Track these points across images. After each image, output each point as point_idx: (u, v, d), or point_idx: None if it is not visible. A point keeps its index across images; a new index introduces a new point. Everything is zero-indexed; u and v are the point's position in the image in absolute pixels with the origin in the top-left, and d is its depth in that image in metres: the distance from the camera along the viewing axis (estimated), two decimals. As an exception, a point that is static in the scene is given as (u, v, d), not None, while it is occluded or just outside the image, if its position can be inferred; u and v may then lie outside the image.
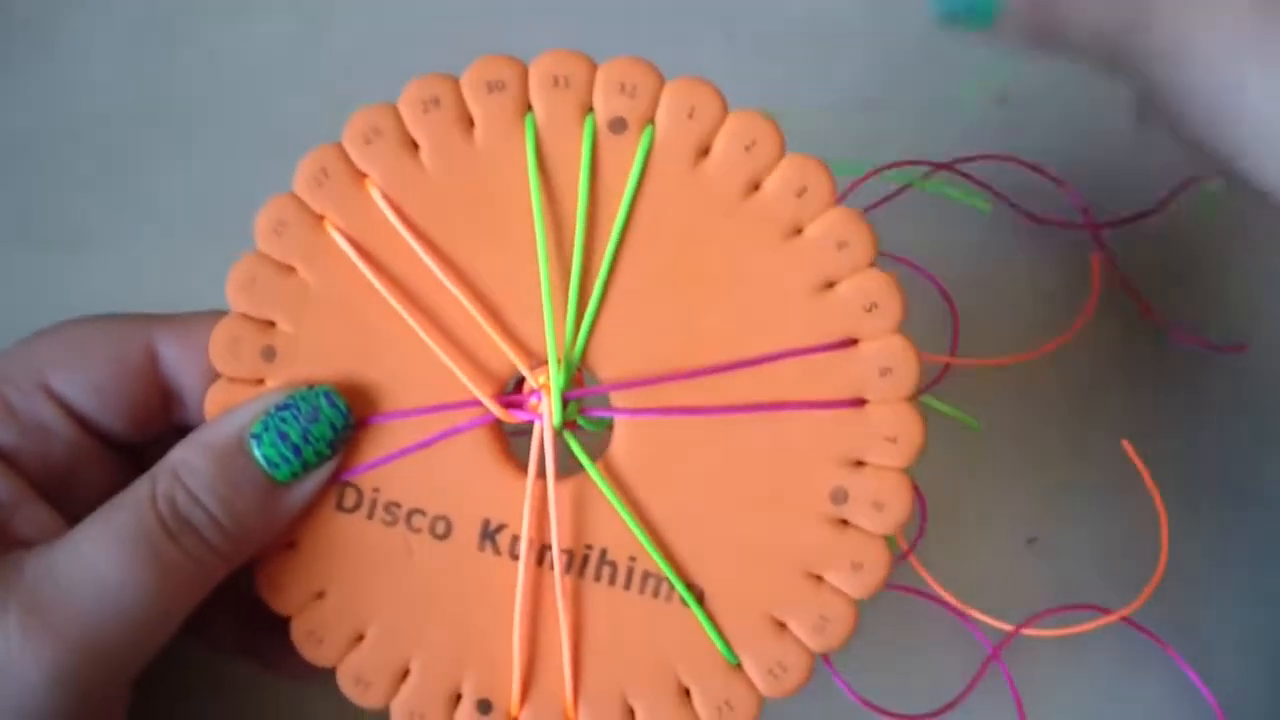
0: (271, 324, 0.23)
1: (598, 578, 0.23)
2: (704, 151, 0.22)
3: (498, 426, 0.23)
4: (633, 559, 0.23)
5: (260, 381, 0.23)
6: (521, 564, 0.23)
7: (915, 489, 0.26)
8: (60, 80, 0.37)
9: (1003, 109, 0.40)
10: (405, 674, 0.23)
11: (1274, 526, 0.35)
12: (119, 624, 0.21)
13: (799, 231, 0.22)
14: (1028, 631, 0.31)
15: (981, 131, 0.39)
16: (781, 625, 0.23)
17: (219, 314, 0.23)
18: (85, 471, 0.24)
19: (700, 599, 0.23)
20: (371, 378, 0.23)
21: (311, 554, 0.23)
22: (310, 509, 0.23)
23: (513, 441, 0.24)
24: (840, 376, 0.23)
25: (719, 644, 0.23)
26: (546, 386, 0.23)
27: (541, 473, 0.23)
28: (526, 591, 0.23)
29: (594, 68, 0.22)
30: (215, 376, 0.23)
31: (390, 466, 0.23)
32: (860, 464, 0.23)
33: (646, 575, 0.23)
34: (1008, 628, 0.31)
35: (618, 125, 0.22)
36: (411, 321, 0.23)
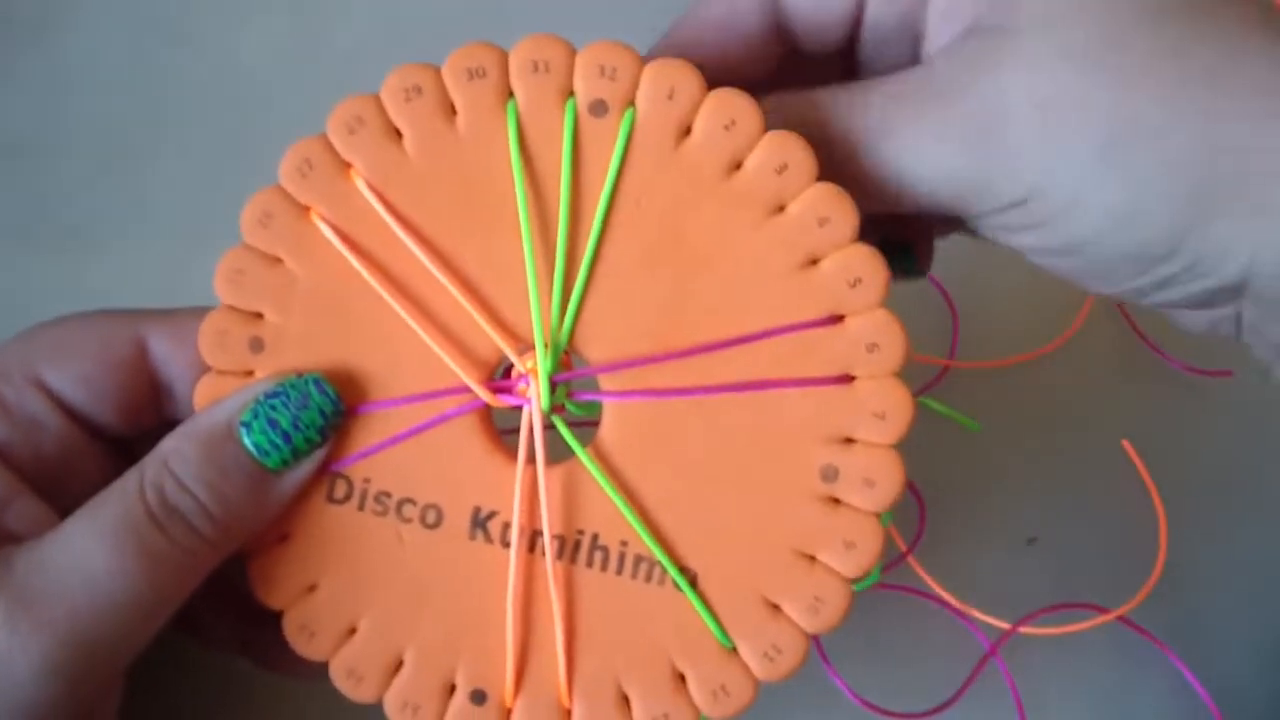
0: (259, 316, 0.24)
1: (590, 563, 0.23)
2: (685, 132, 0.23)
3: (487, 414, 0.24)
4: (624, 543, 0.23)
5: (249, 373, 0.24)
6: (513, 551, 0.23)
7: (914, 488, 0.26)
8: (60, 80, 0.38)
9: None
10: (398, 666, 0.24)
11: (1272, 527, 0.35)
12: (108, 615, 0.21)
13: (781, 209, 0.23)
14: (1025, 630, 0.31)
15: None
16: (775, 607, 0.23)
17: (209, 309, 0.24)
18: (77, 466, 0.24)
19: (693, 582, 0.23)
20: (360, 367, 0.24)
21: (303, 547, 0.24)
22: (301, 501, 0.24)
23: (505, 437, 0.24)
24: (827, 353, 0.23)
25: (713, 627, 0.23)
26: (534, 371, 0.23)
27: (531, 458, 0.23)
28: (518, 579, 0.23)
29: (573, 52, 0.23)
30: (204, 369, 0.24)
31: (380, 456, 0.24)
32: (850, 441, 0.23)
33: (639, 559, 0.23)
34: (1006, 626, 0.31)
35: (598, 108, 0.23)
36: (399, 309, 0.23)
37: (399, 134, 0.23)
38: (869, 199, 0.23)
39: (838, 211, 0.23)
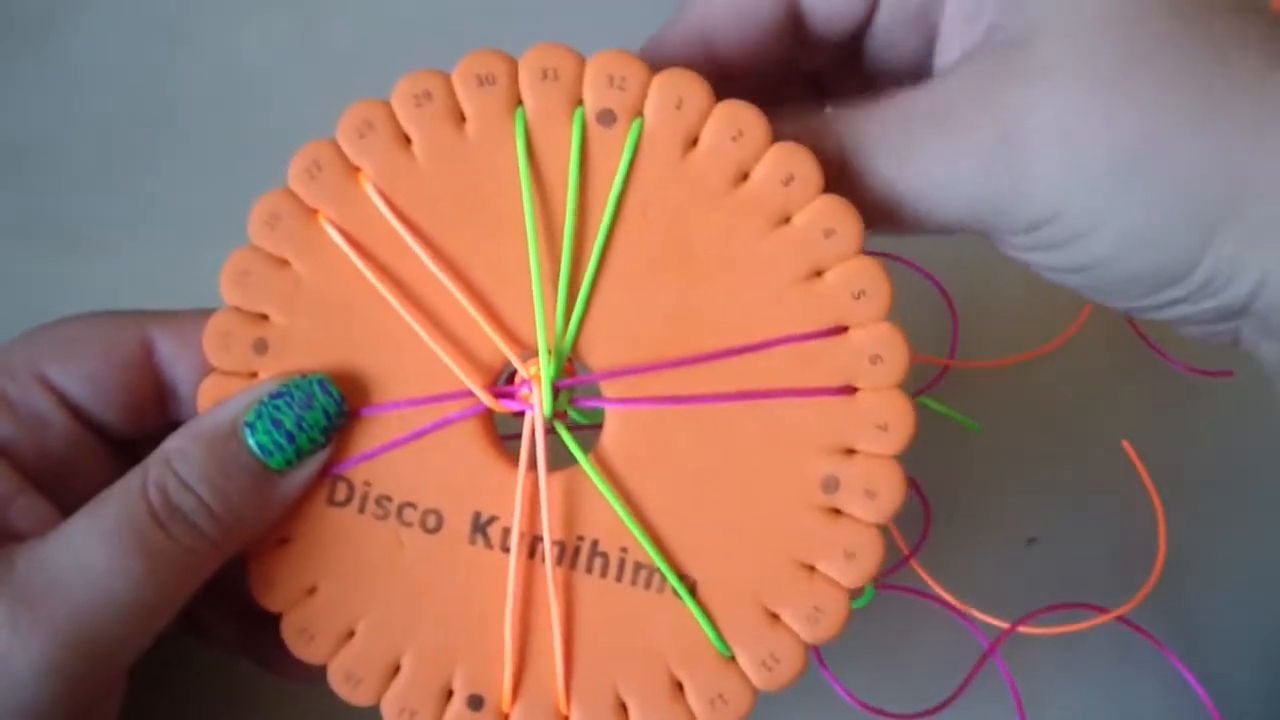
0: (264, 317, 0.24)
1: (589, 569, 0.24)
2: (692, 142, 0.23)
3: (489, 419, 0.24)
4: (624, 550, 0.24)
5: (252, 374, 0.24)
6: (513, 556, 0.24)
7: (916, 486, 0.27)
8: (60, 80, 0.39)
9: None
10: (396, 670, 0.24)
11: (1272, 527, 0.36)
12: (110, 614, 0.22)
13: (787, 220, 0.23)
14: (1024, 629, 0.32)
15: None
16: (774, 616, 0.24)
17: (215, 310, 0.24)
18: (81, 465, 0.25)
19: (692, 590, 0.24)
20: (363, 370, 0.24)
21: (302, 549, 0.24)
22: (302, 503, 0.24)
23: (507, 444, 0.25)
24: (830, 364, 0.23)
25: (712, 636, 0.24)
26: (537, 376, 0.24)
27: (533, 463, 0.24)
28: (518, 584, 0.24)
29: (583, 61, 0.23)
30: (208, 370, 0.24)
31: (382, 460, 0.24)
32: (851, 452, 0.24)
33: (638, 566, 0.24)
34: (1005, 626, 0.32)
35: (607, 117, 0.23)
36: (403, 312, 0.24)
37: (408, 139, 0.24)
38: (883, 221, 0.23)
39: (843, 224, 0.23)
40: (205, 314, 0.24)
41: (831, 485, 0.23)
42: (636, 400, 0.24)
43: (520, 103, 0.24)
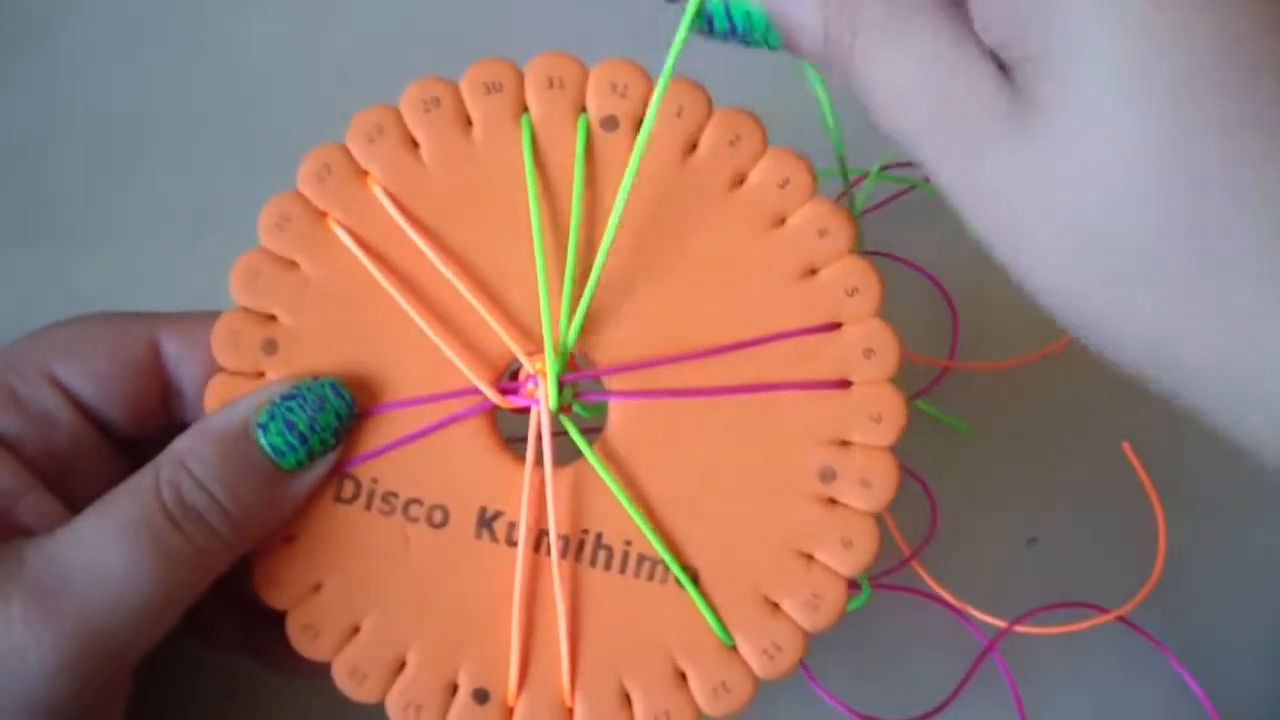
0: (273, 318, 0.25)
1: (594, 562, 0.25)
2: (691, 147, 0.25)
3: (494, 417, 0.26)
4: (628, 543, 0.25)
5: (260, 375, 0.25)
6: (520, 550, 0.25)
7: (923, 485, 0.28)
8: (60, 80, 0.40)
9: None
10: (401, 666, 0.25)
11: (1273, 526, 0.37)
12: (120, 611, 0.22)
13: (782, 221, 0.25)
14: (1022, 629, 0.33)
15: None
16: (775, 605, 0.25)
17: (222, 312, 0.25)
18: (87, 463, 0.25)
19: (695, 580, 0.25)
20: (370, 369, 0.25)
21: (309, 546, 0.25)
22: (308, 501, 0.25)
23: (514, 447, 0.26)
24: (825, 359, 0.25)
25: (714, 625, 0.25)
26: (543, 371, 0.25)
27: (539, 458, 0.25)
28: (524, 578, 0.25)
29: (586, 70, 0.25)
30: (216, 370, 0.25)
31: (388, 456, 0.25)
32: (847, 444, 0.25)
33: (642, 558, 0.25)
34: (1004, 624, 0.33)
35: (610, 123, 0.25)
36: (410, 310, 0.25)
37: (416, 144, 0.25)
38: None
39: (836, 224, 0.25)
40: (212, 316, 0.25)
41: (828, 476, 0.25)
42: (639, 394, 0.25)
43: (526, 109, 0.25)
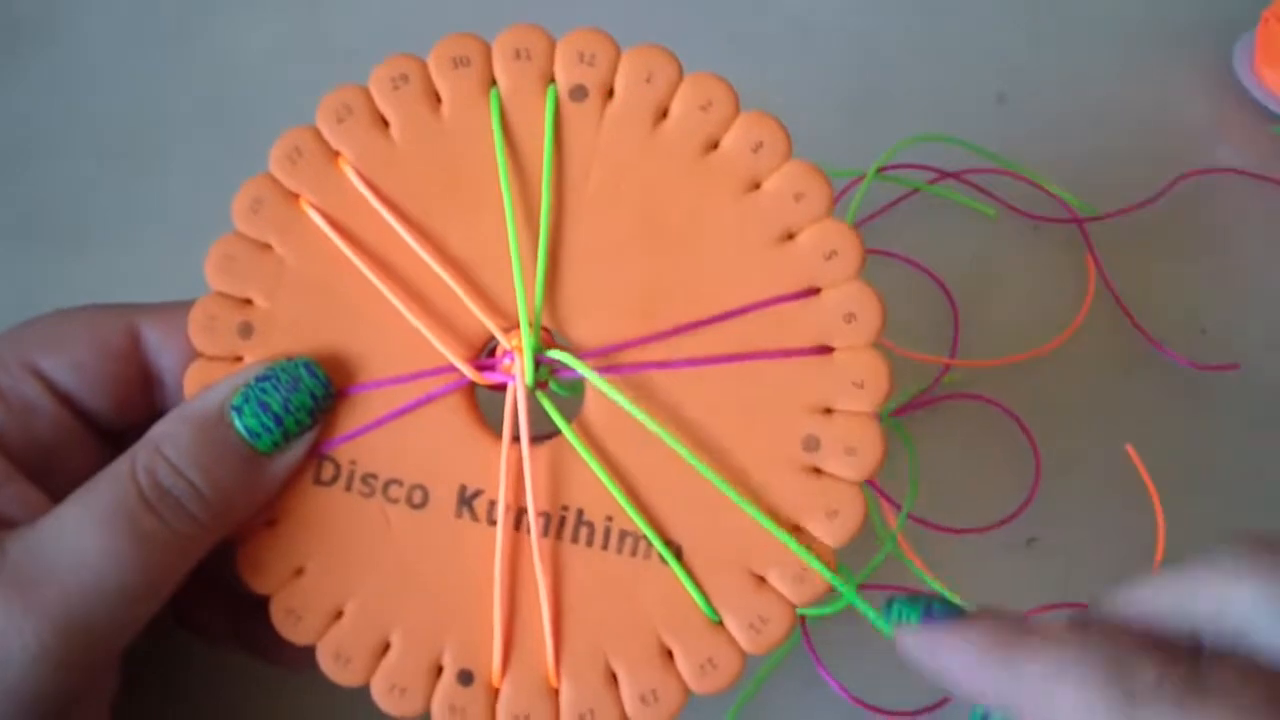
0: (249, 301, 0.26)
1: (575, 539, 0.25)
2: (663, 114, 0.26)
3: (471, 395, 0.26)
4: (610, 518, 0.25)
5: (238, 359, 0.26)
6: (499, 528, 0.25)
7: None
8: (61, 80, 0.41)
9: (1002, 108, 0.44)
10: (385, 648, 0.25)
11: (1272, 527, 0.37)
12: (101, 598, 0.23)
13: (757, 186, 0.25)
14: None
15: (981, 130, 0.43)
16: (760, 579, 0.25)
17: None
18: (69, 453, 0.26)
19: (678, 555, 0.25)
20: (347, 350, 0.26)
21: (290, 530, 0.26)
22: (288, 484, 0.25)
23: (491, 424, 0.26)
24: (805, 325, 0.25)
25: (699, 600, 0.25)
26: (519, 347, 0.25)
27: (516, 435, 0.25)
28: (505, 557, 0.25)
29: (553, 40, 0.26)
30: (194, 356, 0.26)
31: (367, 438, 0.26)
32: (830, 411, 0.25)
33: (624, 534, 0.25)
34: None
35: (578, 93, 0.26)
36: (385, 290, 0.25)
37: (386, 122, 0.26)
38: None
39: (812, 187, 0.25)
40: (191, 304, 0.26)
41: (812, 444, 0.25)
42: (617, 368, 0.25)
43: (494, 82, 0.26)
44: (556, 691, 0.25)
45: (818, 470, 0.25)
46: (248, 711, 0.32)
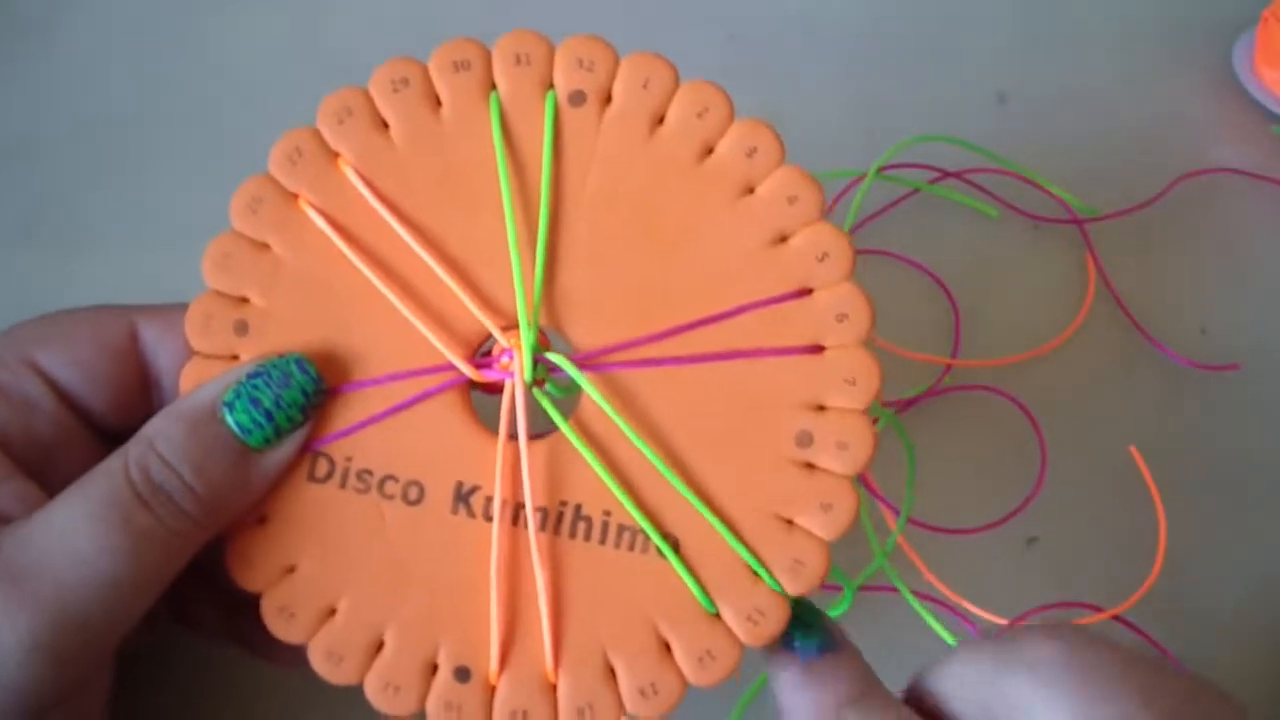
0: (245, 300, 0.27)
1: (573, 534, 0.27)
2: (659, 120, 0.27)
3: (467, 392, 0.27)
4: (607, 513, 0.27)
5: (233, 357, 0.27)
6: (496, 523, 0.26)
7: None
8: (60, 80, 0.42)
9: (1002, 108, 0.46)
10: (379, 646, 0.26)
11: (1272, 527, 0.39)
12: (95, 592, 0.24)
13: (751, 190, 0.27)
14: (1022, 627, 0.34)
15: (981, 130, 0.44)
16: (756, 571, 0.26)
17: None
18: (68, 450, 0.27)
19: (676, 548, 0.26)
20: (343, 348, 0.27)
21: (282, 527, 0.27)
22: (282, 481, 0.27)
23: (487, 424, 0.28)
24: (798, 324, 0.27)
25: (697, 592, 0.26)
26: (517, 345, 0.27)
27: (513, 431, 0.27)
28: (502, 552, 0.26)
29: (553, 46, 0.27)
30: (190, 354, 0.27)
31: (362, 434, 0.27)
32: (822, 408, 0.27)
33: (622, 529, 0.27)
34: (1004, 624, 0.34)
35: (577, 98, 0.27)
36: (383, 288, 0.27)
37: (386, 124, 0.27)
38: None
39: (805, 191, 0.27)
40: (188, 305, 0.27)
41: (805, 440, 0.27)
42: (613, 365, 0.27)
43: (494, 86, 0.27)
44: (554, 687, 0.26)
45: (810, 465, 0.27)
46: (242, 707, 0.33)
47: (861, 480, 0.37)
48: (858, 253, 0.27)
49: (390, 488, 0.27)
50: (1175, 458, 0.39)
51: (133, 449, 0.25)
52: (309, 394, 0.26)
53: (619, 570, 0.27)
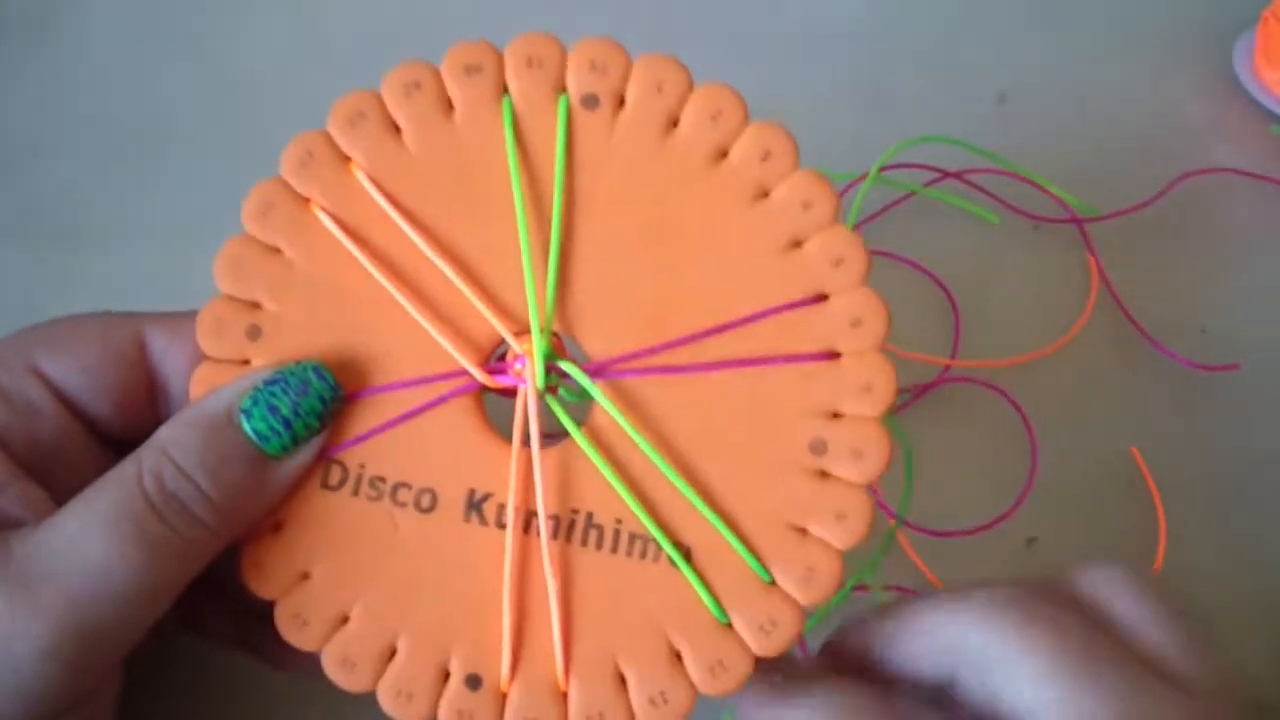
0: (257, 305, 0.28)
1: (585, 542, 0.27)
2: (673, 123, 0.28)
3: (480, 398, 0.28)
4: (619, 521, 0.27)
5: (245, 362, 0.28)
6: (509, 532, 0.27)
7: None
8: (60, 80, 0.43)
9: (1002, 108, 0.47)
10: (392, 653, 0.27)
11: (1272, 528, 0.40)
12: (107, 603, 0.25)
13: (766, 194, 0.28)
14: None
15: (981, 130, 0.45)
16: (769, 581, 0.27)
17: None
18: (71, 456, 0.28)
19: (688, 557, 0.27)
20: (355, 353, 0.28)
21: (296, 534, 0.27)
22: (295, 488, 0.27)
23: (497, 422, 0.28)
24: (812, 331, 0.28)
25: (708, 602, 0.27)
26: (529, 351, 0.27)
27: (526, 439, 0.27)
28: (514, 560, 0.27)
29: (565, 49, 0.28)
30: (201, 359, 0.28)
31: (375, 441, 0.28)
32: (837, 415, 0.28)
33: (633, 537, 0.27)
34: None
35: (590, 101, 0.28)
36: (395, 293, 0.27)
37: (398, 128, 0.28)
38: None
39: (819, 195, 0.28)
40: (197, 314, 0.28)
41: (819, 448, 0.27)
42: (626, 373, 0.28)
43: (506, 90, 0.28)
44: (565, 695, 0.27)
45: (825, 474, 0.27)
46: (248, 712, 0.33)
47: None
48: (863, 255, 0.28)
49: (403, 495, 0.28)
50: (1175, 458, 0.40)
51: (146, 455, 0.26)
52: (327, 401, 0.27)
53: (630, 579, 0.27)
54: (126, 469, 0.26)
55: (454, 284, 0.28)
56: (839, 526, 0.27)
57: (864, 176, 0.43)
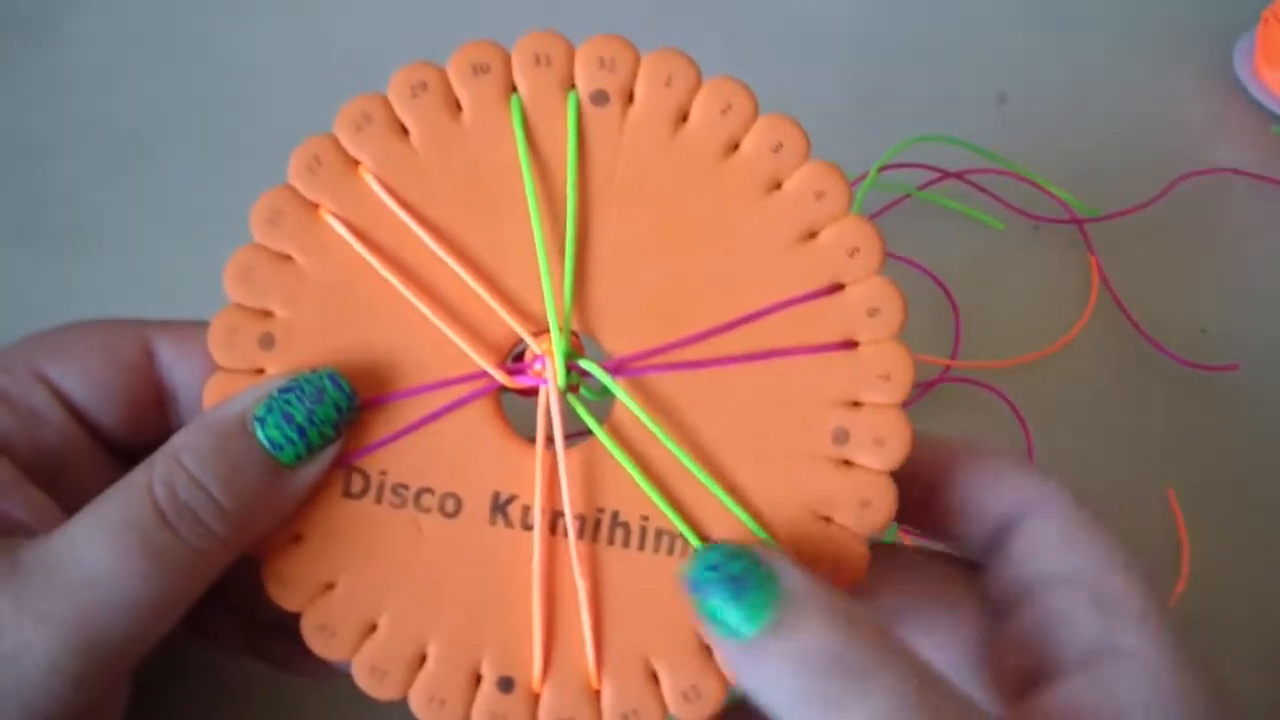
0: (269, 313, 0.29)
1: (612, 540, 0.28)
2: (683, 117, 0.29)
3: (499, 400, 0.29)
4: (645, 518, 0.28)
5: (258, 371, 0.28)
6: (536, 532, 0.28)
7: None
8: (60, 80, 0.44)
9: (1002, 108, 0.48)
10: (422, 660, 0.28)
11: (1273, 530, 0.41)
12: (114, 613, 0.25)
13: (778, 186, 0.29)
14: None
15: (981, 130, 0.46)
16: (797, 572, 0.28)
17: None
18: (77, 463, 0.29)
19: (714, 551, 0.28)
20: (371, 359, 0.29)
21: (319, 544, 0.28)
22: (316, 497, 0.28)
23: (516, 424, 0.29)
24: (830, 321, 0.29)
25: (737, 595, 0.28)
26: (549, 351, 0.28)
27: (550, 438, 0.28)
28: (542, 561, 0.28)
29: (573, 46, 0.29)
30: (214, 369, 0.28)
31: (396, 447, 0.28)
32: (858, 404, 0.29)
33: (660, 533, 0.28)
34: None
35: (599, 98, 0.29)
36: (410, 296, 0.28)
37: (405, 130, 0.29)
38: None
39: (833, 185, 0.29)
40: (206, 324, 0.28)
41: (841, 437, 0.28)
42: (646, 369, 0.28)
43: (514, 89, 0.29)
44: (598, 693, 0.28)
45: (848, 462, 0.28)
46: (255, 718, 0.34)
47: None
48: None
49: (427, 500, 0.28)
50: (1175, 457, 0.41)
51: (158, 464, 0.26)
52: (343, 410, 0.28)
53: (658, 575, 0.28)
54: (137, 477, 0.26)
55: (468, 286, 0.28)
56: (863, 513, 0.28)
57: (864, 176, 0.44)
